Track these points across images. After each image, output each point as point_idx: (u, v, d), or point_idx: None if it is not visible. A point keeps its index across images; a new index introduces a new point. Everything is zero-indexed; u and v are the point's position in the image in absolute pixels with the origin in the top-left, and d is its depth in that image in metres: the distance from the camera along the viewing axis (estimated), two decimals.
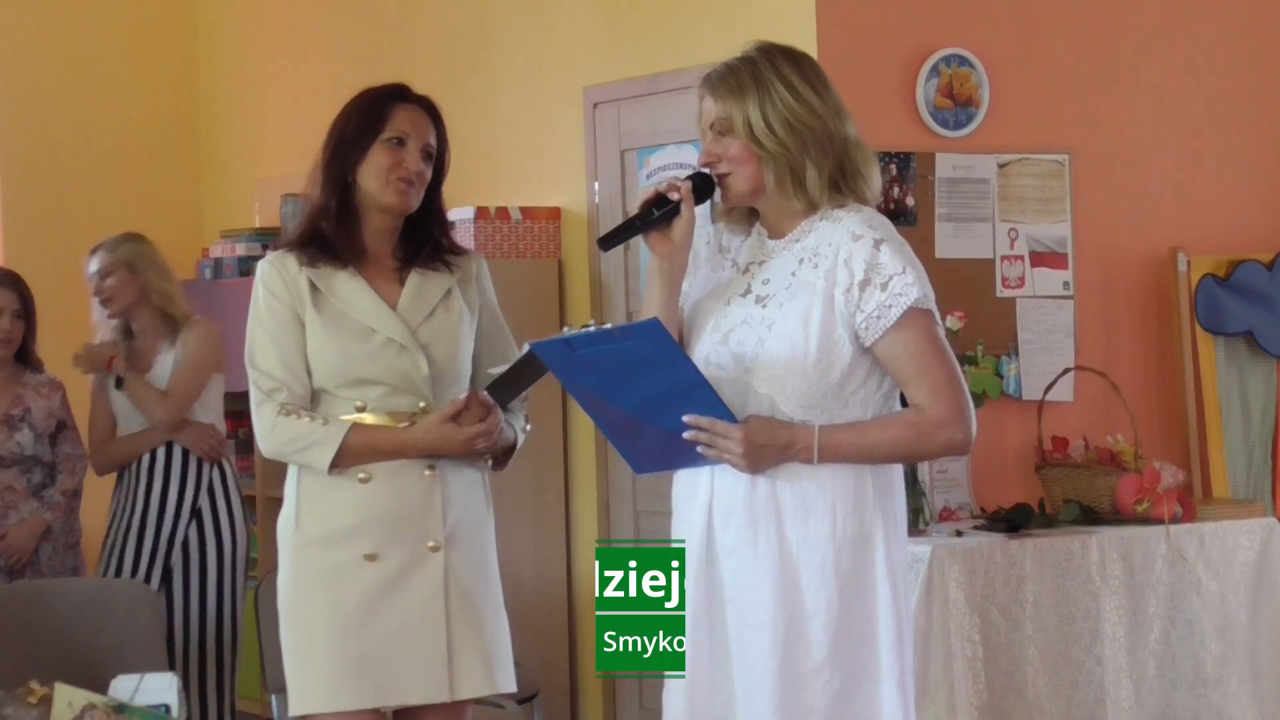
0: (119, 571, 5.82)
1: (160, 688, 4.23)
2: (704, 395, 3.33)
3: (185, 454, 5.92)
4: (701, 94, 3.44)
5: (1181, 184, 6.19)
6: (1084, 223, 5.97)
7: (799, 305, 3.35)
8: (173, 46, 8.42)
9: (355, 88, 3.96)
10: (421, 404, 3.79)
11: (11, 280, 6.02)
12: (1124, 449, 5.62)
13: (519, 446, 3.95)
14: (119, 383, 5.87)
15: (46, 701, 4.49)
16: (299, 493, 3.82)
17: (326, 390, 3.78)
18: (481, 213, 6.31)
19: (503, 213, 6.36)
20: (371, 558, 3.74)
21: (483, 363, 3.92)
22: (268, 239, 7.26)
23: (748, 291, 3.43)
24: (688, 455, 3.36)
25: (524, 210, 6.38)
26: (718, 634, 3.37)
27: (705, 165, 3.43)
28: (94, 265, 5.97)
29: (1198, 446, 6.04)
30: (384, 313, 3.79)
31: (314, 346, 3.78)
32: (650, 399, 3.32)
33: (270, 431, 3.77)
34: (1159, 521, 5.42)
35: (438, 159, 3.90)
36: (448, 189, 3.98)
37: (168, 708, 4.21)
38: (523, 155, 6.66)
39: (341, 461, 3.73)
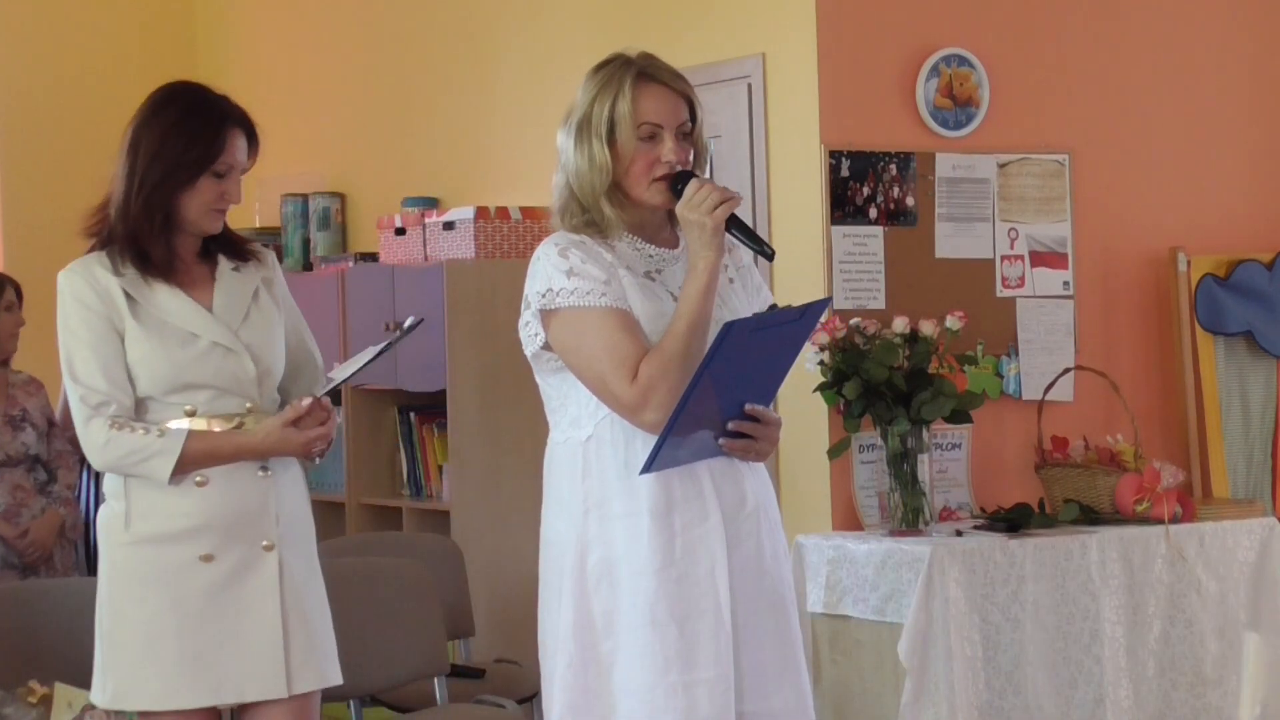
0: None
1: None
2: (776, 385, 3.38)
3: None
4: (684, 92, 3.45)
5: (1181, 184, 6.19)
6: (1084, 223, 5.97)
7: (740, 305, 3.47)
8: (172, 47, 8.41)
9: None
10: (248, 405, 3.81)
11: (10, 278, 6.07)
12: (1124, 449, 5.62)
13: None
14: None
15: (46, 701, 4.50)
16: (128, 493, 3.79)
17: (153, 398, 3.77)
18: (481, 213, 6.29)
19: (502, 213, 6.35)
20: (208, 558, 3.74)
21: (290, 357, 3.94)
22: (268, 239, 7.26)
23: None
24: (705, 448, 3.35)
25: (524, 210, 6.37)
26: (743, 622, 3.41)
27: (679, 168, 3.42)
28: None
29: (1198, 446, 6.04)
30: (203, 317, 3.80)
31: (137, 356, 3.76)
32: (738, 387, 3.31)
33: (104, 445, 3.74)
34: (1159, 521, 5.42)
35: None
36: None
37: None
38: (523, 155, 6.66)
39: (181, 469, 3.72)
